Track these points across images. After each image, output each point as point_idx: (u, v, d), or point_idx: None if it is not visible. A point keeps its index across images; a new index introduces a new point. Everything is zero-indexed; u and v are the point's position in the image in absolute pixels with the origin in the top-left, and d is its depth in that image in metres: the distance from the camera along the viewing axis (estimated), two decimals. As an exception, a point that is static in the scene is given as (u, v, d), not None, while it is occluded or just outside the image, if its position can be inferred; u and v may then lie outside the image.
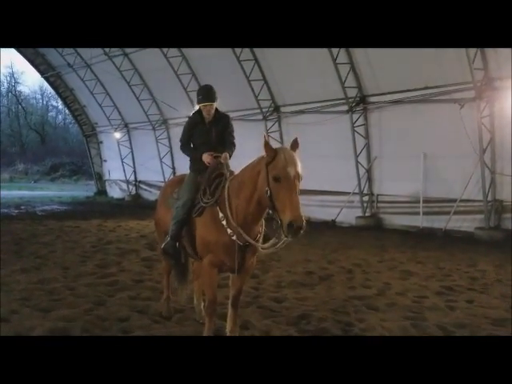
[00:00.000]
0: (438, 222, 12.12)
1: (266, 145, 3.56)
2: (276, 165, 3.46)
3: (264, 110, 15.57)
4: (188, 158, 4.63)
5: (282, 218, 3.37)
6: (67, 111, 32.25)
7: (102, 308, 5.22)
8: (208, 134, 4.42)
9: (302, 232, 3.33)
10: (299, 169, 3.49)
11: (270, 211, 3.62)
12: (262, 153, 3.76)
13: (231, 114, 5.01)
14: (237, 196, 3.82)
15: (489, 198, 11.01)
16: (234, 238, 3.81)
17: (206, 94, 4.43)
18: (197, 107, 4.57)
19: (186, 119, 4.75)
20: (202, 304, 5.03)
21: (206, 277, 4.08)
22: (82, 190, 28.47)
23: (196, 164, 4.45)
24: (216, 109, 4.49)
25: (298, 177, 3.46)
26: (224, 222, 3.84)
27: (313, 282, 6.79)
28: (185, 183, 4.39)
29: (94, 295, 5.72)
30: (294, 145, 3.63)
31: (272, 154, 3.51)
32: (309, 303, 5.68)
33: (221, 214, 3.86)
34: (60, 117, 51.98)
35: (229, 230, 3.82)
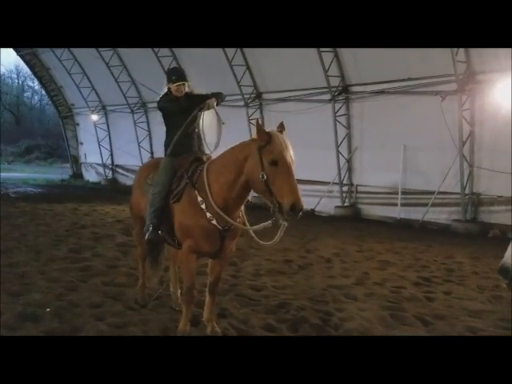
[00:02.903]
0: (415, 214, 12.22)
1: (260, 129, 3.48)
2: (272, 149, 3.41)
3: (246, 96, 15.38)
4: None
5: (281, 202, 3.33)
6: (43, 92, 31.42)
7: (74, 294, 5.05)
8: (182, 115, 4.24)
9: (300, 214, 3.33)
10: (292, 152, 3.45)
11: (263, 196, 3.53)
12: (245, 138, 3.70)
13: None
14: (217, 180, 3.70)
15: (466, 191, 11.12)
16: (214, 222, 3.70)
17: (180, 73, 4.43)
18: (165, 89, 4.45)
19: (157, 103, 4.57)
20: (179, 291, 4.93)
21: (184, 263, 3.95)
22: (57, 172, 27.78)
23: (173, 148, 4.28)
24: (186, 93, 4.40)
25: (292, 160, 3.43)
26: (203, 206, 3.71)
27: (292, 271, 6.73)
28: (161, 168, 4.21)
29: (67, 280, 5.53)
30: (281, 128, 3.56)
31: (266, 138, 3.45)
32: (287, 292, 5.61)
33: (199, 198, 3.74)
34: (36, 98, 50.70)
35: (208, 214, 3.70)
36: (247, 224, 3.97)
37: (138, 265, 5.12)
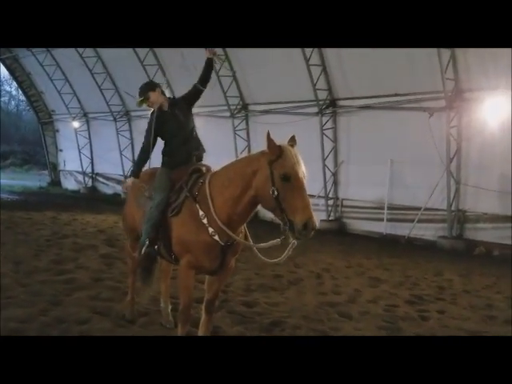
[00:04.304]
0: (401, 229, 12.21)
1: (271, 141, 3.29)
2: (284, 163, 3.22)
3: (232, 107, 15.26)
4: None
5: (293, 219, 3.15)
6: (20, 98, 30.72)
7: (59, 308, 4.78)
8: (175, 121, 4.06)
9: (313, 233, 3.16)
10: (304, 167, 3.28)
11: (272, 213, 3.37)
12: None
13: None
14: (221, 194, 3.51)
15: (452, 208, 11.16)
16: (216, 237, 3.51)
17: (140, 92, 4.24)
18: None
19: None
20: (170, 307, 4.71)
21: (182, 279, 3.73)
22: (34, 179, 27.10)
23: (170, 158, 4.10)
24: (169, 98, 4.26)
25: (304, 176, 3.26)
26: (205, 221, 3.52)
27: (282, 287, 6.57)
28: (157, 180, 3.99)
29: (50, 294, 5.25)
30: (292, 142, 3.40)
31: (277, 151, 3.27)
32: (281, 309, 5.44)
33: (201, 212, 3.54)
34: (13, 103, 49.59)
35: (210, 229, 3.51)
36: (249, 238, 3.80)
37: (128, 278, 4.89)
